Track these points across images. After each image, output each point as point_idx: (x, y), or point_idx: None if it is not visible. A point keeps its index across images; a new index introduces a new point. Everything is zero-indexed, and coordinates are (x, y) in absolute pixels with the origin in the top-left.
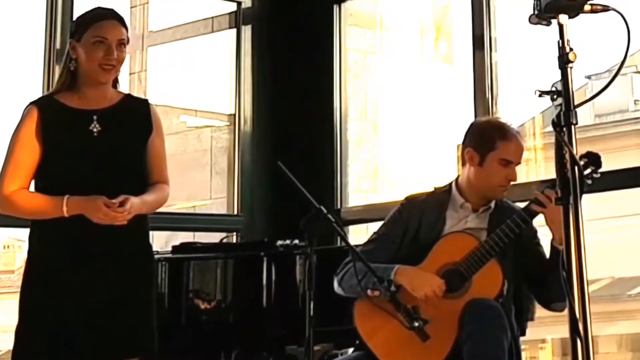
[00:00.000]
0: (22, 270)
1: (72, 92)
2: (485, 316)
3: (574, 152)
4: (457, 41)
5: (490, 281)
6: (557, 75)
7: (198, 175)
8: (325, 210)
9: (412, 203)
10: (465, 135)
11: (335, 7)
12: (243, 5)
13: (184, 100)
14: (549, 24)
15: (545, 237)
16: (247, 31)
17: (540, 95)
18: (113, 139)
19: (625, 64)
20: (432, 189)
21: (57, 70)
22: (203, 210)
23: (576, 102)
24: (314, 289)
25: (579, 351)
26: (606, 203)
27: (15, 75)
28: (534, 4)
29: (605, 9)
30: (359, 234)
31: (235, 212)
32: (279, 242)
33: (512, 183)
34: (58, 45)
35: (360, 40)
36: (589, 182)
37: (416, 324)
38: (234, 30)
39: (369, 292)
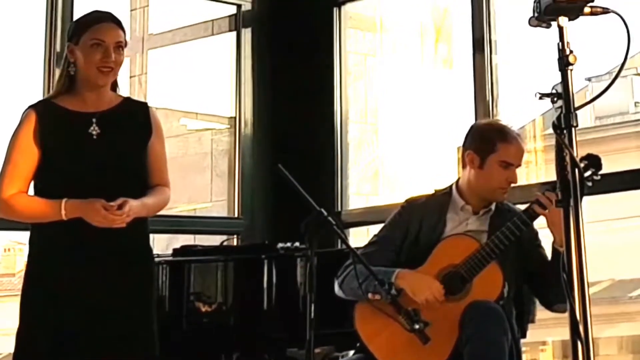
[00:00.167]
0: (22, 273)
1: (71, 96)
2: (485, 318)
3: (575, 154)
4: (457, 43)
5: (491, 283)
6: (558, 77)
7: (199, 178)
8: (325, 213)
9: (412, 206)
10: (466, 138)
11: (335, 10)
12: (243, 8)
13: (185, 103)
14: (549, 26)
15: (545, 239)
16: (247, 34)
17: (540, 98)
18: (112, 142)
19: (626, 66)
20: (433, 192)
21: (57, 73)
22: (204, 213)
23: (576, 105)
24: (314, 291)
25: (580, 353)
26: (606, 205)
27: (15, 79)
28: (533, 7)
29: (605, 11)
30: (359, 237)
31: (236, 215)
32: (280, 245)
33: (512, 185)
34: (58, 48)
35: (360, 43)
36: (590, 184)
37: (417, 327)
38: (234, 33)
39: (370, 295)
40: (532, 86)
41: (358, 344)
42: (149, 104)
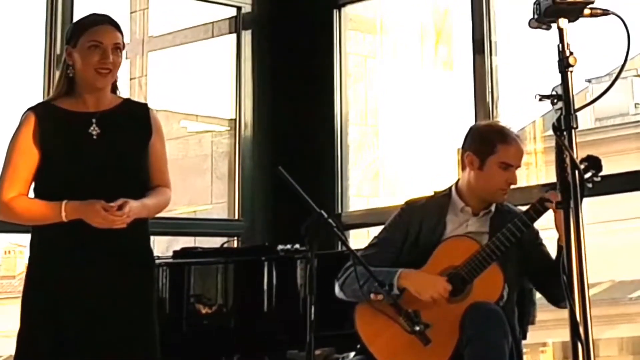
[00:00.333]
0: (23, 275)
1: (71, 98)
2: (486, 320)
3: (575, 155)
4: (458, 45)
5: (491, 285)
6: (558, 79)
7: (199, 180)
8: (326, 215)
9: (412, 207)
10: (465, 139)
11: (335, 12)
12: (243, 10)
13: (185, 106)
14: (549, 28)
15: (545, 240)
16: (247, 36)
17: (540, 99)
18: (112, 142)
19: (626, 68)
20: (432, 194)
21: (57, 76)
22: (204, 215)
23: (576, 106)
24: (314, 293)
25: (580, 355)
26: (607, 206)
27: (15, 81)
28: (533, 8)
29: (605, 12)
30: (359, 239)
31: (236, 217)
32: (280, 247)
33: (512, 187)
34: (58, 51)
35: (361, 45)
36: (590, 185)
37: (417, 328)
38: (234, 35)
39: (371, 296)
40: (532, 88)
41: (359, 346)
42: (149, 105)
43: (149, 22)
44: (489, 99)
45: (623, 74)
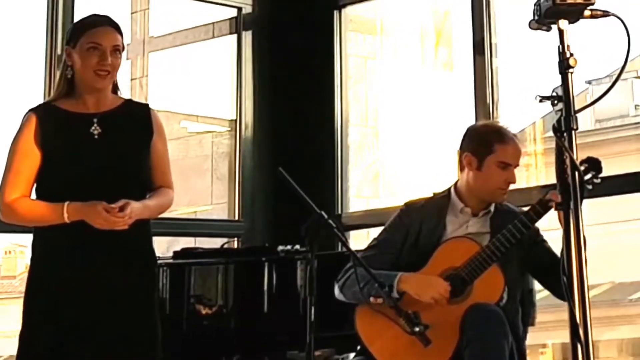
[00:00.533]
0: (23, 275)
1: (71, 99)
2: (486, 321)
3: (575, 157)
4: (458, 46)
5: (492, 286)
6: (558, 80)
7: (199, 180)
8: (326, 216)
9: (411, 209)
10: (463, 140)
11: (336, 13)
12: (244, 11)
13: (185, 106)
14: (549, 29)
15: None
16: (247, 37)
17: (540, 101)
18: (114, 142)
19: (626, 69)
20: (431, 195)
21: (58, 76)
22: (204, 215)
23: (577, 107)
24: (315, 294)
25: (580, 356)
26: (607, 208)
27: (16, 82)
28: (534, 10)
29: (605, 14)
30: (360, 239)
31: (237, 218)
32: (280, 248)
33: (512, 187)
34: (59, 51)
35: (361, 46)
36: (590, 187)
37: (417, 329)
38: (235, 36)
39: (371, 299)
40: (533, 89)
41: (359, 347)
42: (151, 106)
43: (149, 23)
44: (489, 100)
45: (623, 76)
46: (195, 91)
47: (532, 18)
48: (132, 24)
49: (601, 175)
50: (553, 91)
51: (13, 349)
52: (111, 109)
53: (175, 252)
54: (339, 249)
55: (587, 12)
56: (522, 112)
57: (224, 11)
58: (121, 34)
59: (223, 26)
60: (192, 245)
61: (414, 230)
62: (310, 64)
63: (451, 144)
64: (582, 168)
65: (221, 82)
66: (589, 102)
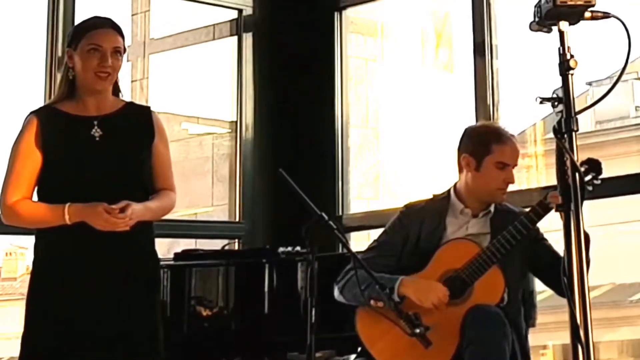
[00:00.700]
0: (24, 277)
1: (72, 101)
2: (486, 322)
3: (575, 158)
4: (458, 48)
5: (492, 287)
6: (558, 82)
7: (200, 182)
8: (326, 217)
9: (411, 210)
10: (460, 141)
11: (336, 15)
12: (244, 13)
13: (186, 108)
14: (549, 31)
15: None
16: (248, 38)
17: (541, 102)
18: (115, 144)
19: (626, 71)
20: (431, 196)
21: (59, 78)
22: (205, 217)
23: (577, 109)
24: (315, 295)
25: (580, 357)
26: (607, 209)
27: (17, 83)
28: (534, 11)
29: (606, 15)
30: (360, 241)
31: (237, 219)
32: (281, 249)
33: (513, 189)
34: (59, 53)
35: (361, 48)
36: (590, 188)
37: (418, 331)
38: (235, 38)
39: (372, 302)
40: (533, 90)
41: (360, 348)
42: (152, 108)
43: (150, 25)
44: (489, 101)
45: (624, 77)
46: (195, 93)
47: (532, 20)
48: (133, 25)
49: (601, 176)
50: (553, 93)
51: (14, 351)
52: (112, 112)
53: (176, 254)
54: (340, 251)
55: (587, 14)
56: (522, 113)
57: (225, 13)
58: (122, 36)
59: (223, 28)
60: (192, 246)
61: (414, 232)
62: (311, 65)
63: (452, 145)
64: (582, 169)
65: (222, 84)
66: (589, 103)
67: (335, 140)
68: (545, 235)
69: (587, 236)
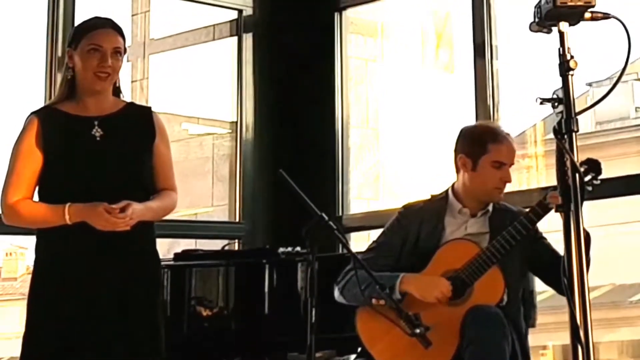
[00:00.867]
0: (24, 277)
1: (73, 101)
2: (486, 323)
3: (575, 159)
4: (458, 49)
5: (492, 288)
6: (558, 82)
7: (200, 182)
8: (327, 218)
9: (409, 211)
10: (456, 142)
11: (337, 15)
12: (244, 13)
13: (186, 108)
14: (549, 31)
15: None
16: (248, 39)
17: (541, 103)
18: (116, 144)
19: (626, 71)
20: (429, 197)
21: (59, 78)
22: (205, 217)
23: (577, 110)
24: (315, 295)
25: (580, 358)
26: (607, 210)
27: (17, 83)
28: (534, 12)
29: (606, 16)
30: (360, 241)
31: (237, 220)
32: (281, 249)
33: (512, 188)
34: (59, 53)
35: (362, 48)
36: (589, 188)
37: (418, 331)
38: (235, 38)
39: (373, 301)
40: (533, 91)
41: (360, 349)
42: (153, 109)
43: (150, 25)
44: (489, 102)
45: (624, 78)
46: (195, 93)
47: (532, 20)
48: (133, 26)
49: (601, 177)
50: (554, 93)
51: (14, 351)
52: (113, 112)
53: (176, 254)
54: (340, 251)
55: (587, 15)
56: (522, 114)
57: (225, 13)
58: (123, 36)
59: (224, 28)
60: (192, 247)
61: (413, 232)
62: (311, 65)
63: (452, 145)
64: (581, 169)
65: (222, 84)
66: (589, 104)
67: (335, 141)
68: (546, 236)
69: (587, 235)
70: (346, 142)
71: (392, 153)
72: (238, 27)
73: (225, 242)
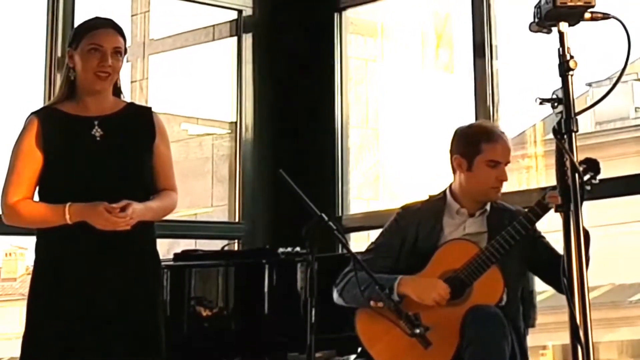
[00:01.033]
0: (24, 278)
1: (73, 101)
2: (486, 323)
3: (575, 159)
4: (458, 49)
5: (491, 288)
6: (558, 82)
7: (199, 182)
8: (326, 218)
9: (407, 212)
10: (451, 143)
11: (336, 15)
12: (244, 14)
13: (186, 108)
14: (549, 31)
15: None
16: (248, 39)
17: (541, 103)
18: (115, 145)
19: (626, 72)
20: (427, 197)
21: (59, 79)
22: (204, 217)
23: (577, 110)
24: (315, 296)
25: (580, 357)
26: (607, 210)
27: (17, 83)
28: (534, 12)
29: (606, 16)
30: (360, 242)
31: (237, 220)
32: (281, 250)
33: (512, 189)
34: (59, 54)
35: (362, 48)
36: (588, 188)
37: (417, 331)
38: (235, 38)
39: (372, 303)
40: (533, 91)
41: (360, 349)
42: (153, 109)
43: (149, 25)
44: (489, 102)
45: (623, 78)
46: (195, 93)
47: (532, 20)
48: (133, 26)
49: (601, 177)
50: (553, 93)
51: (14, 351)
52: (113, 112)
53: (175, 254)
54: (340, 251)
55: (587, 15)
56: (522, 114)
57: (225, 14)
58: (123, 36)
59: (223, 29)
60: (192, 247)
61: (412, 233)
62: (311, 66)
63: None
64: (580, 169)
65: (221, 85)
66: (589, 104)
67: (335, 141)
68: (545, 236)
69: (587, 234)
70: (346, 142)
71: (392, 153)
72: (238, 28)
73: (225, 242)
